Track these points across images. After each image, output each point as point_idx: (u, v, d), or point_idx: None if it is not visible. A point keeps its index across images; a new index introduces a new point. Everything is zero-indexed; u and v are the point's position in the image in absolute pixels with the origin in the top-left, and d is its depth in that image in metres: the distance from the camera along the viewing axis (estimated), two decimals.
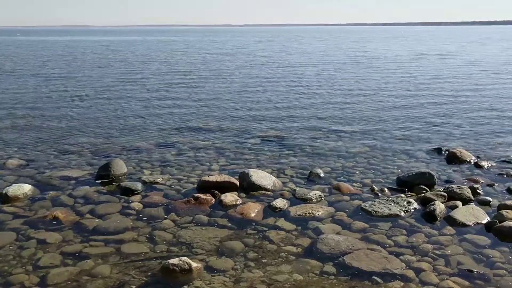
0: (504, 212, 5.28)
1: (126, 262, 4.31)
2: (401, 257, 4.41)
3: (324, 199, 5.89)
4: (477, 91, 15.70)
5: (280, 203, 5.63)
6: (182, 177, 6.77)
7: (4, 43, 60.22)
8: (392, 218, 5.31)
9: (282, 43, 57.66)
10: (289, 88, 16.48)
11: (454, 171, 7.11)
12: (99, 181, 6.51)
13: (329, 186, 6.37)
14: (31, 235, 4.84)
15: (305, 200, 5.81)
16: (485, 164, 7.30)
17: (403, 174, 6.75)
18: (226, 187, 6.12)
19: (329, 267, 4.23)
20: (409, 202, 5.64)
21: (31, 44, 57.01)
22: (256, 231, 4.97)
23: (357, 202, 5.78)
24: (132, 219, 5.28)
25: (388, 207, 5.51)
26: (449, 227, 5.06)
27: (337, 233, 4.93)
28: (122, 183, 6.34)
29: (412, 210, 5.50)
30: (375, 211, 5.42)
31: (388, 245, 4.67)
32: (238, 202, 5.71)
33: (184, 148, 8.37)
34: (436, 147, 8.33)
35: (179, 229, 5.02)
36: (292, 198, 5.93)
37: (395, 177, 6.70)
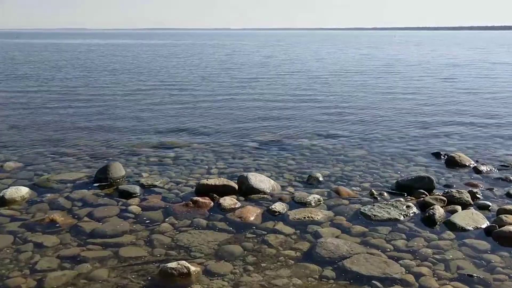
0: (503, 216, 5.27)
1: (124, 266, 4.28)
2: (400, 261, 4.39)
3: (323, 203, 5.87)
4: (476, 95, 15.72)
5: (279, 206, 5.61)
6: (180, 180, 6.74)
7: (2, 45, 60.15)
8: (391, 222, 5.29)
9: (283, 47, 57.76)
10: (289, 92, 16.50)
11: (453, 175, 7.09)
12: (97, 184, 6.48)
13: (328, 190, 6.35)
14: (28, 238, 4.80)
15: (304, 204, 5.79)
16: (484, 168, 7.30)
17: (402, 178, 6.74)
18: (224, 190, 6.09)
19: (328, 271, 4.21)
20: (408, 206, 5.62)
21: (28, 46, 56.96)
22: (255, 235, 4.94)
23: (356, 206, 5.75)
24: (130, 222, 5.25)
25: (387, 211, 5.49)
26: (449, 232, 5.04)
27: (336, 237, 4.91)
28: (120, 186, 6.31)
29: (411, 214, 5.49)
30: (374, 215, 5.40)
31: (387, 249, 4.64)
32: (236, 206, 5.69)
33: (183, 151, 8.35)
34: (435, 151, 8.32)
35: (178, 232, 4.99)
36: (291, 201, 5.91)
37: (394, 181, 6.69)
